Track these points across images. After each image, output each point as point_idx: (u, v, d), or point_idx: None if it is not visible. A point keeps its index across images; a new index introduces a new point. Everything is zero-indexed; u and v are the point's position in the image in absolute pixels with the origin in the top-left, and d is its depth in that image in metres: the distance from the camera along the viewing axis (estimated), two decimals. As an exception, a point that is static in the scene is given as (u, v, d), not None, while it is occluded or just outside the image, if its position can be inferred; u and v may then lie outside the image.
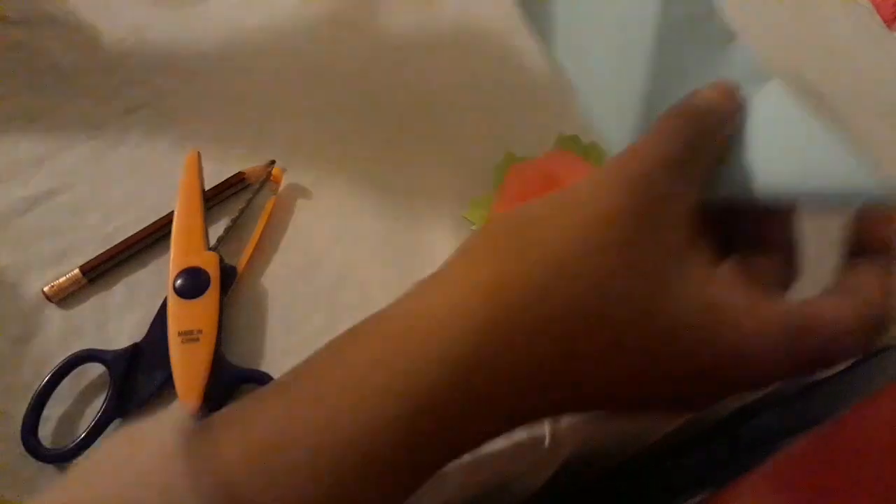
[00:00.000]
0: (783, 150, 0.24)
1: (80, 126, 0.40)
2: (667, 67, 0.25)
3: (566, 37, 0.28)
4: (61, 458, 0.30)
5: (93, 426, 0.31)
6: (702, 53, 0.26)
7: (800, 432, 0.38)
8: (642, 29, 0.25)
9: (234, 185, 0.39)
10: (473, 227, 0.41)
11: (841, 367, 0.52)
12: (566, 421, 0.35)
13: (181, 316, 0.33)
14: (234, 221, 0.37)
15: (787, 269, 0.24)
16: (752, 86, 0.25)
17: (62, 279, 0.34)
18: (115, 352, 0.33)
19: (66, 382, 0.32)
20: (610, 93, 0.27)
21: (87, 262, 0.35)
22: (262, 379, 0.33)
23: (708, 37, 0.25)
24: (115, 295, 0.35)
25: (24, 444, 0.30)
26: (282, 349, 0.35)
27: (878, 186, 0.23)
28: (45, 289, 0.34)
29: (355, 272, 0.38)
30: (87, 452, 0.30)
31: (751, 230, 0.24)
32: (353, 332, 0.21)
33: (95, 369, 0.32)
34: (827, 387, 0.53)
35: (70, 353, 0.32)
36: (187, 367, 0.32)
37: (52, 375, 0.31)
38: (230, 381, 0.33)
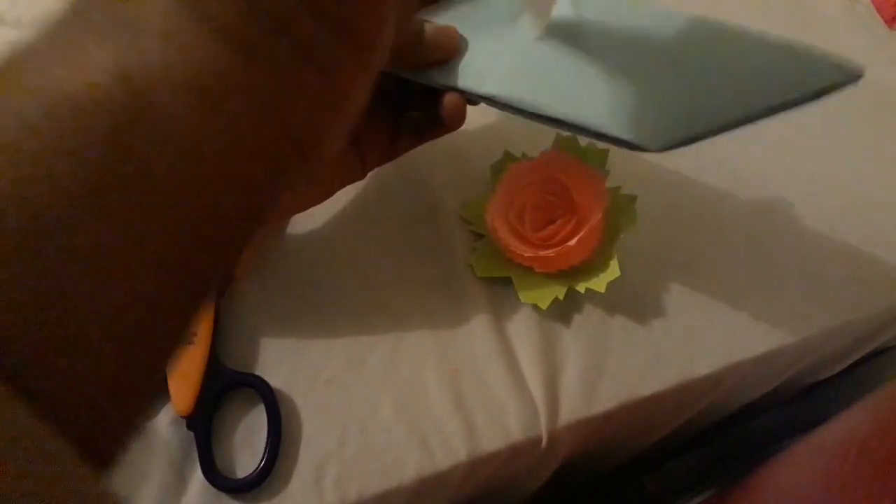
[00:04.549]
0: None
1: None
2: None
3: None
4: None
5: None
6: None
7: (799, 433, 0.38)
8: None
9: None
10: (472, 228, 0.40)
11: (839, 368, 0.52)
12: (564, 421, 0.35)
13: (176, 319, 0.33)
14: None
15: None
16: None
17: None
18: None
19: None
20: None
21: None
22: (256, 383, 0.32)
23: None
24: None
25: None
26: (277, 353, 0.35)
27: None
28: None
29: (352, 275, 0.38)
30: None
31: None
32: None
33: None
34: (826, 387, 0.53)
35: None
36: (181, 370, 0.32)
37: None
38: (224, 385, 0.32)
